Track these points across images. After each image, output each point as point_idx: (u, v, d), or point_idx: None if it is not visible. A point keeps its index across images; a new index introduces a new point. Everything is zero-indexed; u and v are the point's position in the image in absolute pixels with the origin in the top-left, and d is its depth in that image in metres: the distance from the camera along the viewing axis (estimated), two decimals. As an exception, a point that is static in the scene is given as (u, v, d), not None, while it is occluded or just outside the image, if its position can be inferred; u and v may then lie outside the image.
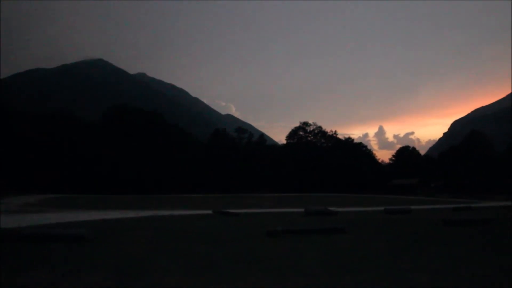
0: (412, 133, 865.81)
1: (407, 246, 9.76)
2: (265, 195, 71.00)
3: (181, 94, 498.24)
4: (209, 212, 24.25)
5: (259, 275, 6.60)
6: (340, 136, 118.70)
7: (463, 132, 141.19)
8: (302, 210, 24.10)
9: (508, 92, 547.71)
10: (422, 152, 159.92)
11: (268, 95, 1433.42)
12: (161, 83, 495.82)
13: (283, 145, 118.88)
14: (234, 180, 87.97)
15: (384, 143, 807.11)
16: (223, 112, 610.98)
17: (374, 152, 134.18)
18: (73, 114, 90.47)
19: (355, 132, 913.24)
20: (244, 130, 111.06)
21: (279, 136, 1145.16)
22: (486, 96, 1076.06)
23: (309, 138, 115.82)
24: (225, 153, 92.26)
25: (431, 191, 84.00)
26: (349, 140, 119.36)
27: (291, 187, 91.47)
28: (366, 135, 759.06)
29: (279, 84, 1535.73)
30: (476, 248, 9.17)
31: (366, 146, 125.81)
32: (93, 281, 6.19)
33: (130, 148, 76.99)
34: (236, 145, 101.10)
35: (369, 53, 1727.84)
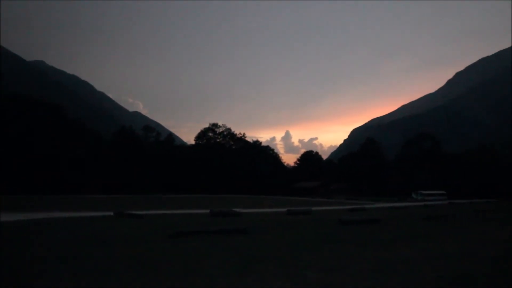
0: (316, 138, 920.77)
1: (305, 245, 10.26)
2: (171, 196, 69.72)
3: (85, 87, 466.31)
4: (111, 214, 23.10)
5: (157, 278, 6.43)
6: (248, 139, 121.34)
7: (361, 140, 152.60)
8: (207, 211, 24.15)
9: (399, 105, 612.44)
10: (324, 156, 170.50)
11: (178, 94, 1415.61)
12: (62, 73, 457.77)
13: (192, 145, 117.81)
14: (139, 180, 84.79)
15: (290, 147, 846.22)
16: (130, 109, 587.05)
17: (280, 155, 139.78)
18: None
19: (263, 136, 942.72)
20: (151, 128, 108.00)
21: (188, 136, 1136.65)
22: (381, 108, 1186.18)
23: (218, 140, 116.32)
24: (130, 151, 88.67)
25: (331, 193, 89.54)
26: (257, 143, 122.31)
27: (198, 188, 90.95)
28: (273, 138, 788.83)
29: (190, 84, 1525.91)
30: (366, 245, 9.98)
31: (273, 150, 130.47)
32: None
33: (22, 143, 69.95)
34: (143, 143, 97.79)
35: (278, 59, 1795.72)
